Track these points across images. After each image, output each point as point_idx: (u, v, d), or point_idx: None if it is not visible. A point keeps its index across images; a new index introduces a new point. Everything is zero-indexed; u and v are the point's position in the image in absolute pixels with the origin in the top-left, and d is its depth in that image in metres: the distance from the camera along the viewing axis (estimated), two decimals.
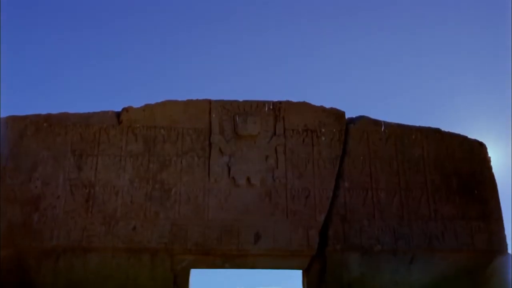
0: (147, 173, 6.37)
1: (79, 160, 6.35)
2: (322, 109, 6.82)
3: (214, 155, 6.49)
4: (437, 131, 6.90)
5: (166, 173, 6.38)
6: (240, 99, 6.77)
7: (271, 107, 6.75)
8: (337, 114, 6.82)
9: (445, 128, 6.94)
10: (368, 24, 16.01)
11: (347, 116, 6.88)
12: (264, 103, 6.76)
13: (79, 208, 6.17)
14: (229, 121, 6.63)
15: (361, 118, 6.88)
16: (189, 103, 6.70)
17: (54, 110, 6.58)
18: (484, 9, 13.84)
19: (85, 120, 6.53)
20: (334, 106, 6.87)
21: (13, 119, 6.48)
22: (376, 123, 6.84)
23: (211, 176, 6.40)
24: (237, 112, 6.66)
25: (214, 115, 6.64)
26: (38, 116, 6.51)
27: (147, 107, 6.64)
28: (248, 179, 6.40)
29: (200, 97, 6.75)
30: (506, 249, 6.37)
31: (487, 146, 6.89)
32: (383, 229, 6.34)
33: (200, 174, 6.41)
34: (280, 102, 6.78)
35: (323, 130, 6.71)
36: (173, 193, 6.30)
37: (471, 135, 6.93)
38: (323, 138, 6.68)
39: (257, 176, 6.42)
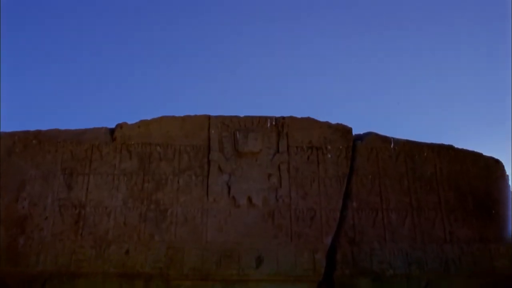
0: (141, 193, 5.98)
1: (70, 179, 5.98)
2: (327, 125, 6.45)
3: (213, 174, 6.10)
4: (450, 147, 6.52)
5: (162, 193, 6.00)
6: (241, 115, 6.42)
7: (273, 122, 6.40)
8: (344, 130, 6.45)
9: (458, 145, 6.59)
10: (376, 37, 15.57)
11: (354, 132, 6.52)
12: (266, 118, 6.41)
13: (68, 230, 5.77)
14: (229, 137, 6.27)
15: (369, 134, 6.51)
16: (186, 118, 6.35)
17: (44, 127, 6.25)
18: (500, 24, 13.45)
19: (76, 137, 6.17)
20: (340, 122, 6.51)
21: (0, 136, 6.12)
22: (385, 139, 6.47)
23: (209, 195, 6.01)
24: (238, 128, 6.30)
25: (213, 131, 6.28)
26: (27, 132, 6.16)
27: (142, 123, 6.29)
28: (250, 199, 6.01)
29: (199, 113, 6.40)
30: None
31: (504, 163, 6.51)
32: (395, 253, 5.90)
33: (198, 194, 6.02)
34: (283, 118, 6.43)
35: (329, 147, 6.34)
36: (169, 214, 5.91)
37: (486, 152, 6.57)
38: (329, 156, 6.30)
39: (259, 196, 6.03)
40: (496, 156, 6.51)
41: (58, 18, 15.65)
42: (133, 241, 5.75)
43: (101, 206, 5.89)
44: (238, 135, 6.22)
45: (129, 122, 6.29)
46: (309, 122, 6.45)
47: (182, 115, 6.37)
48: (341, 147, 6.35)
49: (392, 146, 6.43)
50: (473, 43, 14.89)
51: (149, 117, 6.32)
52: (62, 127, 6.26)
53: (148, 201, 5.95)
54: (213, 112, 6.40)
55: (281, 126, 6.37)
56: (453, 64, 15.31)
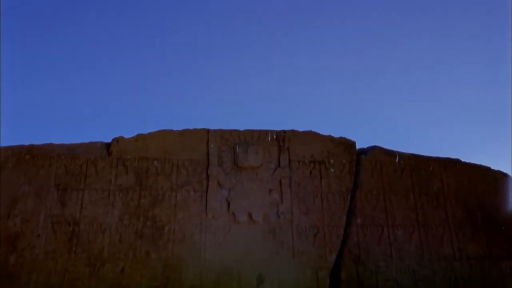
0: (138, 209, 5.77)
1: (63, 195, 5.77)
2: (330, 138, 6.26)
3: (212, 189, 5.90)
4: (457, 161, 6.32)
5: (159, 209, 5.78)
6: (241, 129, 6.23)
7: (274, 136, 6.21)
8: (347, 144, 6.26)
9: (464, 159, 6.39)
10: (379, 50, 15.36)
11: (357, 146, 6.31)
12: (266, 132, 6.22)
13: (61, 248, 5.54)
14: (228, 151, 6.08)
15: (373, 148, 6.31)
16: (185, 132, 6.16)
17: (39, 142, 6.06)
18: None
19: (71, 151, 5.98)
20: (343, 136, 6.32)
21: None
22: (390, 153, 6.27)
23: (208, 212, 5.80)
24: (238, 142, 6.11)
25: (212, 146, 6.09)
26: (20, 147, 5.97)
27: (139, 137, 6.11)
28: (250, 215, 5.81)
29: (197, 127, 6.22)
30: None
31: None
32: (401, 271, 5.66)
33: (197, 210, 5.81)
34: (284, 131, 6.24)
35: (331, 161, 6.14)
36: (166, 230, 5.69)
37: (494, 166, 6.37)
38: (332, 170, 6.10)
39: (259, 212, 5.82)
40: (504, 170, 6.32)
41: (51, 31, 15.45)
42: (129, 259, 5.53)
43: (95, 222, 5.67)
44: (238, 149, 6.03)
45: (126, 137, 6.09)
46: (311, 136, 6.25)
47: (180, 129, 6.17)
48: (344, 161, 6.15)
49: (397, 160, 6.22)
50: (477, 56, 14.71)
51: (146, 132, 6.13)
52: (57, 142, 6.08)
53: (144, 218, 5.73)
54: (212, 126, 6.22)
55: (282, 140, 6.18)
56: (459, 77, 15.05)
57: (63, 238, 5.59)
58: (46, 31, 15.49)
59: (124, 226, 5.68)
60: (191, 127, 6.19)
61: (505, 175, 6.28)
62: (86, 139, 6.13)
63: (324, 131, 6.31)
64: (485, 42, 14.57)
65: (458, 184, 6.18)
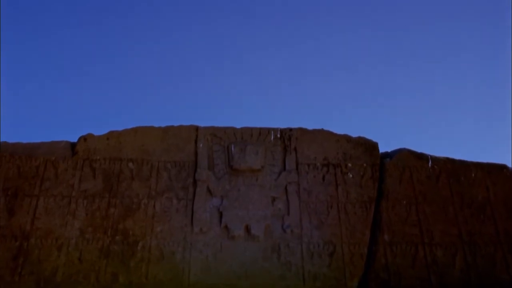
0: (105, 220, 4.63)
1: (12, 202, 4.65)
2: (346, 138, 5.15)
3: (200, 197, 4.79)
4: (504, 167, 5.20)
5: (131, 221, 4.66)
6: (237, 126, 5.14)
7: (278, 135, 5.09)
8: (368, 145, 5.13)
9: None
10: (404, 37, 13.85)
11: (380, 149, 5.18)
12: (269, 130, 5.12)
13: (4, 269, 4.39)
14: (221, 152, 4.98)
15: (400, 151, 5.18)
16: (168, 130, 5.10)
17: None
18: None
19: (28, 151, 4.87)
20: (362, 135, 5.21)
21: None
22: (421, 156, 5.13)
23: (195, 224, 4.68)
24: (233, 141, 5.01)
25: (201, 145, 5.00)
26: None
27: (111, 134, 5.03)
28: (248, 229, 4.70)
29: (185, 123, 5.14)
30: None
31: None
32: None
33: (180, 222, 4.69)
34: (290, 129, 5.14)
35: (349, 164, 5.00)
36: (140, 247, 4.54)
37: None
38: (351, 175, 4.95)
39: (260, 225, 4.70)
40: None
41: (18, 21, 14.00)
42: (90, 283, 4.40)
43: (50, 237, 4.55)
44: (233, 148, 4.93)
45: (96, 134, 5.00)
46: (322, 135, 5.16)
47: (163, 125, 5.10)
48: (365, 165, 5.01)
49: (430, 165, 5.05)
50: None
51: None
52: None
53: (113, 231, 4.60)
54: (202, 123, 5.15)
55: (288, 139, 5.07)
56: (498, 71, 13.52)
57: (7, 255, 4.42)
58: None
59: (87, 241, 4.51)
60: (176, 124, 5.12)
61: None
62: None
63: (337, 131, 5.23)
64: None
65: (507, 193, 5.02)
